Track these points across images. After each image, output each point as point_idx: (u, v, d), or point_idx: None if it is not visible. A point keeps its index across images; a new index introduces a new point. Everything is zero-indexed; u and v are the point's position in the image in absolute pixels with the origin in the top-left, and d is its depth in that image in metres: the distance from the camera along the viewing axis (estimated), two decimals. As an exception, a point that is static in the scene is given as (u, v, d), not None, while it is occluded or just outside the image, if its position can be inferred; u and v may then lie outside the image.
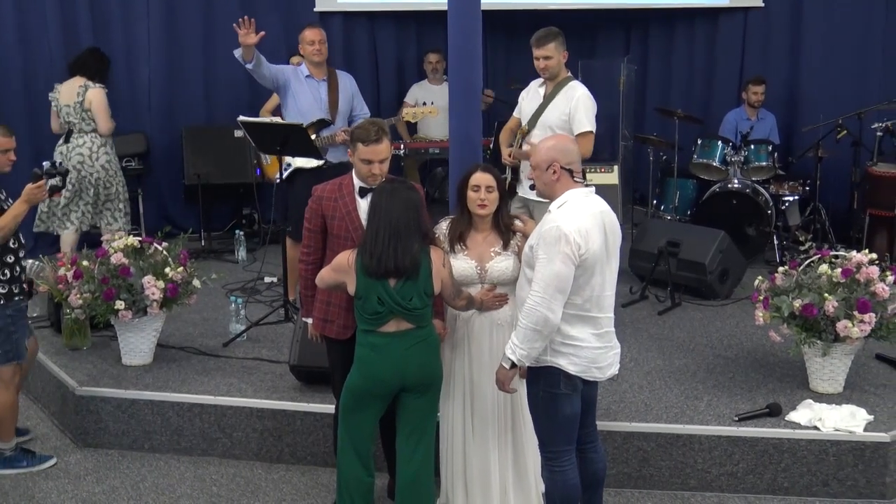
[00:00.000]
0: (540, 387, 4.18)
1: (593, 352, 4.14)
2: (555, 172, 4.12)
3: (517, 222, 4.65)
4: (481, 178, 4.57)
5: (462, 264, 4.59)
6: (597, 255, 4.04)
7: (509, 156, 6.30)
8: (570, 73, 6.28)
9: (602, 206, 4.17)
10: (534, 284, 4.01)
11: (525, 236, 4.51)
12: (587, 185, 4.20)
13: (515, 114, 6.53)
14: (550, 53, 6.11)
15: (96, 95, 7.76)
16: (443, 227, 4.73)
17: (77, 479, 5.46)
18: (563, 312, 4.04)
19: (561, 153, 4.14)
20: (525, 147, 6.06)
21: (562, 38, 6.15)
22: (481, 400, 4.67)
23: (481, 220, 4.62)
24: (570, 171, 4.13)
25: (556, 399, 4.15)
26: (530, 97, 6.37)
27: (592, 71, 9.94)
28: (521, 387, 4.68)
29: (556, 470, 4.26)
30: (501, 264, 4.58)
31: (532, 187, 4.34)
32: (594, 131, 6.11)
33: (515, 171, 6.32)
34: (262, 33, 6.78)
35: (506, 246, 4.61)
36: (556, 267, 3.96)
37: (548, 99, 6.19)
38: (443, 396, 4.66)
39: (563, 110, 6.10)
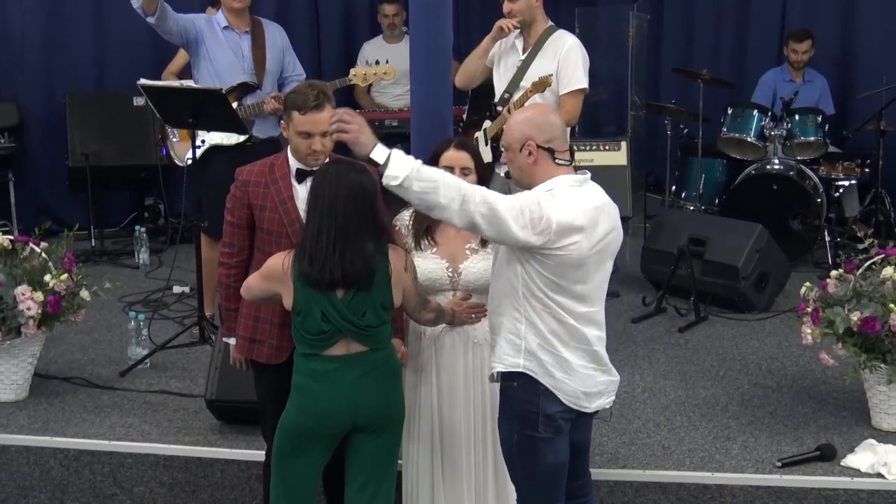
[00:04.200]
0: (514, 428, 4.19)
1: (582, 374, 4.15)
2: (530, 154, 4.08)
3: None
4: (455, 157, 4.57)
5: (430, 265, 4.60)
6: (577, 261, 4.03)
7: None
8: (551, 22, 6.33)
9: (600, 197, 4.15)
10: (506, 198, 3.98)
11: None
12: (579, 169, 4.19)
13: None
14: None
15: None
16: (405, 217, 4.73)
17: (-70, 549, 5.42)
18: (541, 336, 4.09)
19: (536, 128, 4.10)
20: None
21: None
22: (453, 440, 4.67)
23: (454, 211, 4.63)
24: (551, 151, 4.11)
25: (534, 444, 4.16)
26: (505, 53, 6.40)
27: (593, 21, 10.00)
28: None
29: None
30: (478, 265, 4.59)
31: (507, 175, 4.32)
32: (587, 89, 6.15)
33: (496, 146, 6.35)
34: None
35: (484, 242, 4.61)
36: (525, 200, 3.94)
37: (531, 54, 6.22)
38: (405, 436, 4.66)
39: (550, 66, 6.14)
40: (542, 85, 6.00)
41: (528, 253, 3.99)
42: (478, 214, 3.86)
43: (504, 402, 4.25)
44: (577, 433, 4.29)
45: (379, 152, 3.91)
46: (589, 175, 4.16)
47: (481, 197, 3.87)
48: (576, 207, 4.00)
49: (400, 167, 3.87)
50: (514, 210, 3.88)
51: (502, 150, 4.25)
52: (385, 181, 3.88)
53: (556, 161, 4.10)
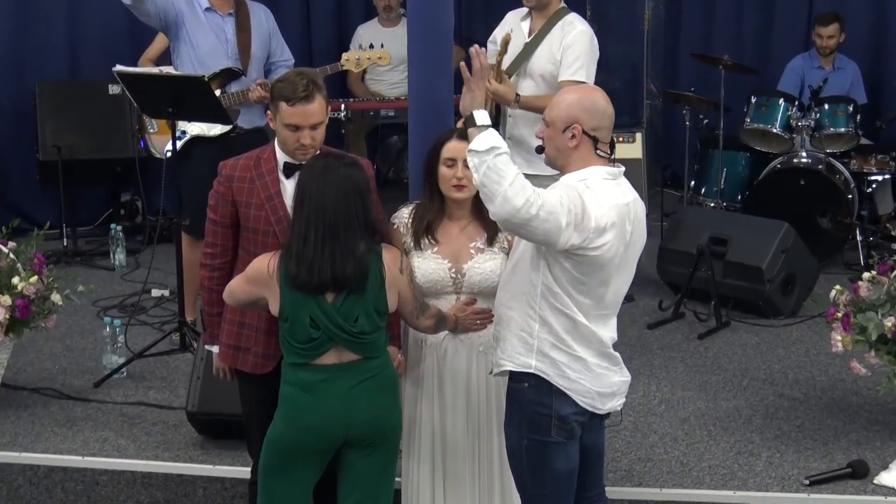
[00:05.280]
0: (524, 434, 4.20)
1: (597, 373, 4.17)
2: (574, 137, 4.13)
3: None
4: (458, 149, 4.54)
5: (431, 266, 4.59)
6: (608, 262, 4.06)
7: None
8: (564, 4, 6.32)
9: (631, 193, 4.20)
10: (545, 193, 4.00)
11: None
12: (614, 163, 4.22)
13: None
14: None
15: None
16: (404, 214, 4.72)
17: None
18: (558, 331, 4.10)
19: (586, 112, 4.15)
20: (496, 83, 6.02)
21: None
22: (455, 456, 4.67)
23: (458, 206, 4.62)
24: (595, 140, 4.15)
25: (545, 450, 4.18)
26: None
27: (606, 2, 9.98)
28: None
29: None
30: (484, 265, 4.58)
31: (539, 149, 4.32)
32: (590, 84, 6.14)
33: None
34: None
35: (491, 241, 4.61)
36: (570, 197, 3.96)
37: (537, 37, 6.20)
38: (404, 453, 4.67)
39: (555, 54, 6.12)
40: (504, 44, 5.98)
41: (560, 252, 4.00)
42: (537, 220, 3.88)
43: (512, 406, 4.25)
44: (588, 436, 4.32)
45: (483, 116, 4.05)
46: (623, 169, 4.21)
47: (543, 200, 3.90)
48: (609, 202, 4.05)
49: (493, 139, 3.96)
50: (564, 209, 3.91)
51: (543, 123, 4.24)
52: (472, 144, 3.96)
53: (597, 152, 4.16)
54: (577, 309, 4.09)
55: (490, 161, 3.90)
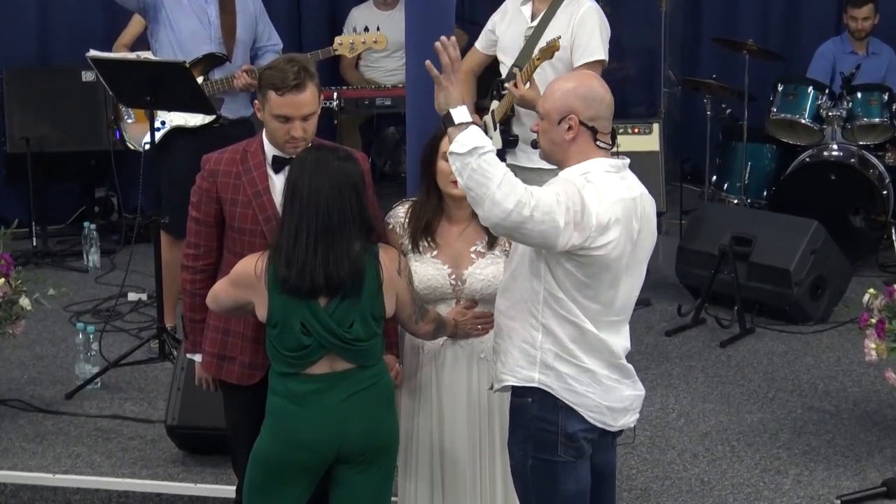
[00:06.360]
0: (528, 453, 4.20)
1: (607, 386, 4.16)
2: (570, 129, 4.12)
3: None
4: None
5: (430, 271, 4.59)
6: (614, 262, 4.06)
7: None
8: None
9: (638, 188, 4.19)
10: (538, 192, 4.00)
11: None
12: (618, 155, 4.21)
13: (480, 48, 6.51)
14: None
15: None
16: (400, 214, 4.72)
17: None
18: (564, 340, 4.10)
19: (582, 101, 4.13)
20: (525, 87, 6.04)
21: None
22: (455, 474, 4.67)
23: (457, 205, 4.61)
24: (594, 131, 4.14)
25: (552, 470, 4.18)
26: (510, 23, 6.37)
27: (621, -17, 9.99)
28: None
29: None
30: (485, 271, 4.58)
31: (534, 144, 4.32)
32: (606, 62, 6.14)
33: (505, 130, 6.33)
34: None
35: (492, 244, 4.61)
36: (568, 193, 3.95)
37: (542, 23, 6.20)
38: (401, 471, 4.68)
39: (564, 35, 6.12)
40: (550, 50, 5.96)
41: (562, 253, 4.00)
42: (531, 221, 3.87)
43: (516, 422, 4.25)
44: (598, 455, 4.31)
45: (462, 112, 4.02)
46: (628, 161, 4.19)
47: (537, 200, 3.89)
48: (612, 197, 4.04)
49: (474, 138, 3.93)
50: (561, 207, 3.90)
51: (538, 116, 4.23)
52: (451, 146, 3.95)
53: (597, 143, 4.14)
54: (584, 315, 4.08)
55: (474, 163, 3.89)
